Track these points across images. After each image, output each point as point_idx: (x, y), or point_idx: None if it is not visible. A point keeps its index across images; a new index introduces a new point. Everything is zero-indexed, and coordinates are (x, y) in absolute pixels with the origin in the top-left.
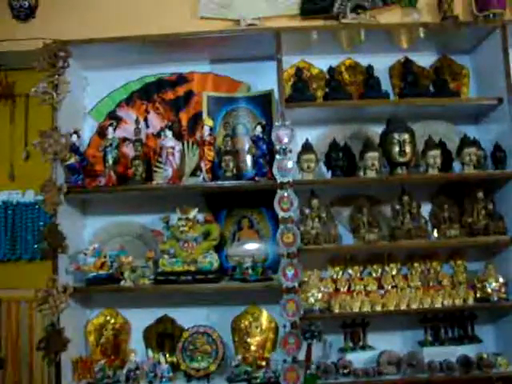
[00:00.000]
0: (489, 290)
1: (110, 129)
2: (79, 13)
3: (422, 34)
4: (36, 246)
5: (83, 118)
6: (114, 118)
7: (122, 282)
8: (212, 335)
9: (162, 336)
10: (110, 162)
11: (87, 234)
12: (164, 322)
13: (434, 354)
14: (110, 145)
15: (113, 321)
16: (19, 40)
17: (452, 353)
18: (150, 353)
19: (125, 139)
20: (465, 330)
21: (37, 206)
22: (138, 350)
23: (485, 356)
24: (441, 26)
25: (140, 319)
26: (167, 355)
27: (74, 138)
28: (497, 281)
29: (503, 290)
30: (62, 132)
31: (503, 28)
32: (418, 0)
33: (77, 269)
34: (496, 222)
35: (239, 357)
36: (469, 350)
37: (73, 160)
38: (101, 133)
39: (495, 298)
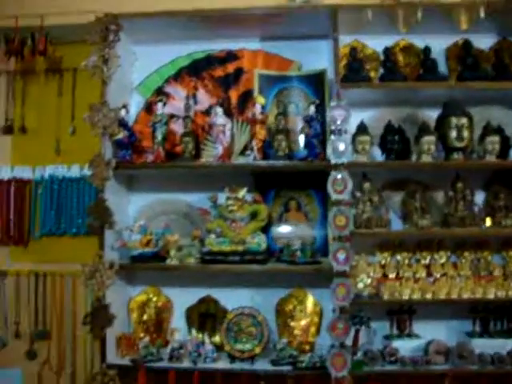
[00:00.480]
0: None
1: (160, 104)
2: None
3: (482, 14)
4: (80, 220)
5: (130, 93)
6: (161, 93)
7: (168, 261)
8: (257, 317)
9: (204, 316)
10: (159, 138)
11: (132, 210)
12: (207, 302)
13: (483, 345)
14: (160, 121)
15: (155, 299)
16: (68, 13)
17: (501, 345)
18: (194, 332)
19: (173, 115)
20: None
21: (82, 181)
22: (180, 329)
23: None
24: (507, 4)
25: (182, 298)
26: (210, 335)
27: (123, 112)
28: None
29: None
30: (110, 106)
31: None
32: None
33: (123, 245)
34: None
35: (284, 340)
36: None
37: (121, 135)
38: (148, 108)
39: None
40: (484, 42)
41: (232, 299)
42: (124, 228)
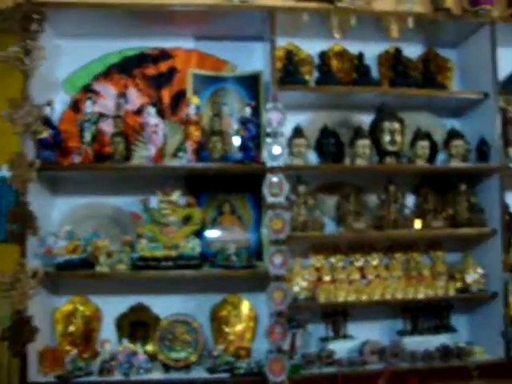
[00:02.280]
0: (468, 281)
1: (89, 103)
2: None
3: (412, 24)
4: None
5: (55, 89)
6: (89, 91)
7: (97, 268)
8: (192, 324)
9: (136, 325)
10: (88, 138)
11: (57, 215)
12: (138, 310)
13: (413, 343)
14: (89, 120)
15: (82, 308)
16: None
17: (430, 342)
18: (126, 342)
19: (102, 115)
20: (441, 320)
21: (1, 183)
22: (110, 340)
23: (462, 345)
24: (433, 16)
25: (112, 307)
26: (142, 344)
27: (48, 110)
28: (476, 272)
29: (482, 280)
30: (34, 102)
31: (492, 24)
32: None
33: (47, 252)
34: (478, 214)
35: (221, 347)
36: (445, 339)
37: (45, 134)
38: (75, 106)
39: (474, 289)
40: (411, 51)
41: (165, 306)
42: (48, 234)
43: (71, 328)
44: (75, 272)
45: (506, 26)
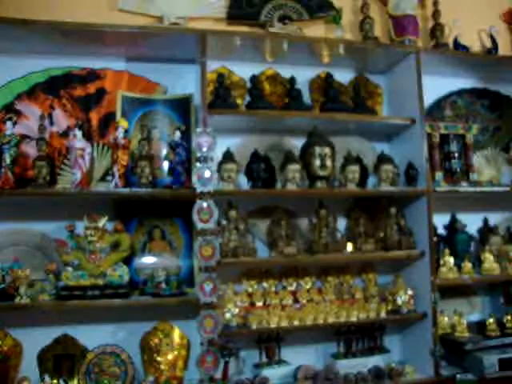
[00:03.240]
0: (399, 302)
1: (9, 123)
2: None
3: (342, 51)
4: None
5: None
6: (11, 111)
7: (17, 299)
8: (121, 355)
9: (61, 358)
10: (8, 161)
11: None
12: (63, 341)
13: (347, 366)
14: (9, 142)
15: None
16: None
17: (364, 364)
18: (48, 379)
19: (24, 136)
20: (374, 341)
21: None
22: (30, 377)
23: (394, 366)
24: (362, 44)
25: (34, 340)
26: (66, 380)
27: None
28: (406, 293)
29: (411, 301)
30: None
31: (417, 54)
32: (342, 19)
33: None
34: (407, 237)
35: (151, 378)
36: (379, 360)
37: None
38: None
39: (405, 310)
40: (343, 76)
41: (92, 337)
42: None
43: None
44: None
45: (429, 55)
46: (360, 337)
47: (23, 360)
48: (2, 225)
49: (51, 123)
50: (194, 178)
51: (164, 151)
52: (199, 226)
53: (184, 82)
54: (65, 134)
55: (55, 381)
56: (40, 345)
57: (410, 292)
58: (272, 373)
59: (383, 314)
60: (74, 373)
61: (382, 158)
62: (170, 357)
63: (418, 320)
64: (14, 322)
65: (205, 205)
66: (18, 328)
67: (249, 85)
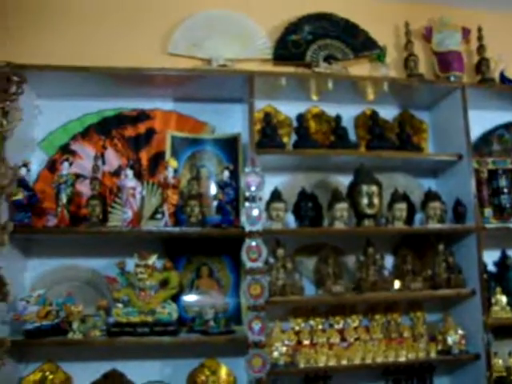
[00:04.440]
0: (449, 342)
1: (66, 164)
2: (35, 35)
3: (387, 88)
4: None
5: (32, 149)
6: (67, 151)
7: (70, 334)
8: None
9: None
10: (64, 200)
11: (28, 278)
12: (112, 377)
13: None
14: (65, 182)
15: (51, 377)
16: None
17: None
18: None
19: (79, 176)
20: (423, 382)
21: None
22: None
23: None
24: (407, 81)
25: (84, 374)
26: None
27: (23, 171)
28: (456, 333)
29: (463, 342)
30: (9, 164)
31: (463, 89)
32: (387, 57)
33: (17, 319)
34: (456, 274)
35: None
36: None
37: (20, 196)
38: (52, 167)
39: (456, 351)
40: (387, 113)
41: (140, 372)
42: (19, 299)
43: None
44: (46, 339)
45: (475, 90)
46: (409, 377)
47: None
48: (55, 261)
49: (103, 162)
50: (243, 217)
51: (212, 190)
52: (248, 264)
53: (231, 121)
54: (116, 173)
55: None
56: (89, 379)
57: (460, 332)
58: None
59: (433, 354)
60: None
61: (430, 195)
62: None
63: (471, 361)
64: (64, 356)
65: (253, 244)
66: (68, 362)
67: (295, 123)
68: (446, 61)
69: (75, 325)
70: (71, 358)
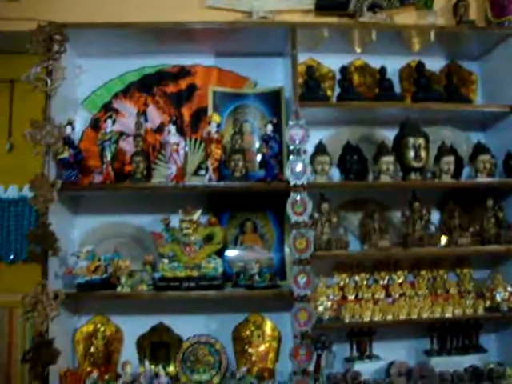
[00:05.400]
0: (498, 299)
1: (109, 121)
2: None
3: (434, 37)
4: (18, 246)
5: (75, 108)
6: (109, 110)
7: (119, 288)
8: (214, 345)
9: (157, 346)
10: (109, 157)
11: (77, 235)
12: (159, 330)
13: (441, 363)
14: (109, 139)
15: (103, 329)
16: (4, 19)
17: (458, 363)
18: (147, 364)
19: (122, 133)
20: (469, 339)
21: (21, 203)
22: (131, 361)
23: (493, 366)
24: (456, 29)
25: (133, 327)
26: (165, 366)
27: (69, 129)
28: (505, 290)
29: None
30: (55, 122)
31: None
32: (434, 3)
33: (69, 273)
34: (506, 230)
35: (244, 368)
36: (474, 360)
37: (66, 154)
38: (95, 125)
39: (505, 308)
40: (433, 64)
41: (186, 327)
42: (69, 254)
43: (92, 349)
44: (96, 293)
45: None
46: (454, 334)
47: (124, 345)
48: (102, 218)
49: (145, 120)
50: (288, 171)
51: (255, 145)
52: (293, 218)
53: (272, 75)
54: (158, 130)
55: (153, 366)
56: (138, 332)
57: (510, 289)
58: (363, 367)
59: (481, 311)
60: (169, 360)
61: (479, 148)
62: (261, 348)
63: None
64: (114, 310)
65: (298, 198)
66: (118, 315)
67: (338, 76)
68: (500, 5)
69: (123, 279)
70: (120, 311)
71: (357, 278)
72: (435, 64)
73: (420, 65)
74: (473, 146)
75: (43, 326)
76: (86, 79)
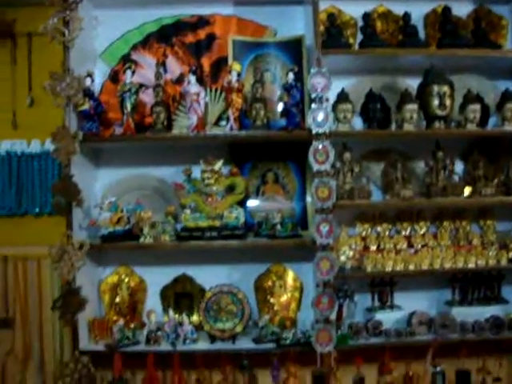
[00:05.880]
0: None
1: (129, 72)
2: None
3: None
4: (43, 199)
5: (94, 60)
6: (128, 61)
7: (142, 239)
8: (237, 295)
9: (180, 296)
10: (129, 108)
11: (99, 187)
12: (182, 281)
13: (463, 314)
14: (129, 90)
15: (127, 280)
16: None
17: (480, 313)
18: (172, 313)
19: (141, 85)
20: (491, 291)
21: (44, 157)
22: (155, 311)
23: None
24: None
25: (156, 278)
26: (188, 315)
27: (88, 81)
28: None
29: None
30: (74, 74)
31: None
32: None
33: (92, 224)
34: None
35: (266, 317)
36: (496, 311)
37: (87, 106)
38: (114, 77)
39: None
40: (460, 9)
41: (208, 277)
42: (92, 206)
43: (117, 299)
44: (119, 243)
45: None
46: (476, 285)
47: (148, 295)
48: (124, 171)
49: (165, 71)
50: (309, 119)
51: (277, 94)
52: (315, 167)
53: (292, 23)
54: (178, 80)
55: (178, 315)
56: (161, 283)
57: None
58: (385, 317)
59: (504, 262)
60: (192, 310)
61: (507, 95)
62: (283, 298)
63: None
64: (137, 261)
65: (320, 146)
66: (141, 266)
67: (360, 23)
68: None
69: (146, 230)
70: (144, 262)
71: (379, 228)
72: (462, 9)
73: (446, 10)
74: (500, 94)
75: (70, 275)
76: (102, 31)
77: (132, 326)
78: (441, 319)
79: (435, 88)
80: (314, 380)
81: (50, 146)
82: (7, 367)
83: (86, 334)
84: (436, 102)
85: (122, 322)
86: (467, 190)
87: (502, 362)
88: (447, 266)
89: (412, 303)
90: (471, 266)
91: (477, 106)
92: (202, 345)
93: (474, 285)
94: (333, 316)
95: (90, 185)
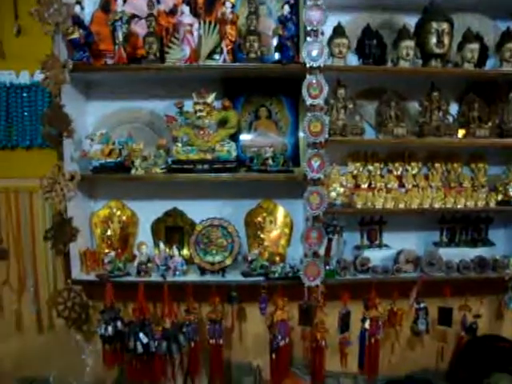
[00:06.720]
0: (510, 193)
1: (120, 1)
2: None
3: None
4: (34, 132)
5: None
6: None
7: (133, 171)
8: (227, 228)
9: (171, 230)
10: (120, 38)
11: (90, 120)
12: (173, 215)
13: (450, 254)
14: (120, 19)
15: (119, 213)
16: None
17: (467, 255)
18: (162, 245)
19: (134, 16)
20: (479, 233)
21: (33, 88)
22: (146, 242)
23: (498, 258)
24: None
25: (147, 212)
26: (179, 248)
27: (77, 8)
28: None
29: None
30: (63, 1)
31: None
32: None
33: (84, 156)
34: None
35: (256, 251)
36: (482, 253)
37: (77, 35)
38: (105, 7)
39: None
40: None
41: (199, 211)
42: (84, 138)
43: (109, 232)
44: (111, 175)
45: None
46: (464, 227)
47: (139, 229)
48: (115, 103)
49: (158, 1)
50: (304, 53)
51: (271, 29)
52: (308, 101)
53: None
54: (171, 12)
55: (168, 248)
56: (152, 217)
57: None
58: (373, 254)
59: (492, 204)
60: (183, 243)
61: (508, 35)
62: (273, 234)
63: None
64: (129, 195)
65: (314, 80)
66: (133, 200)
67: None
68: None
69: (137, 162)
70: (135, 196)
71: (370, 167)
72: None
73: None
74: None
75: (61, 205)
76: None
77: (123, 257)
78: (427, 257)
79: (434, 25)
80: (301, 313)
81: (39, 77)
82: (3, 297)
83: (78, 264)
84: (434, 39)
85: (113, 253)
86: (461, 133)
87: (483, 300)
88: (437, 205)
89: (400, 243)
90: (460, 206)
91: (475, 46)
92: (192, 277)
93: (462, 227)
94: (321, 251)
95: (80, 117)
